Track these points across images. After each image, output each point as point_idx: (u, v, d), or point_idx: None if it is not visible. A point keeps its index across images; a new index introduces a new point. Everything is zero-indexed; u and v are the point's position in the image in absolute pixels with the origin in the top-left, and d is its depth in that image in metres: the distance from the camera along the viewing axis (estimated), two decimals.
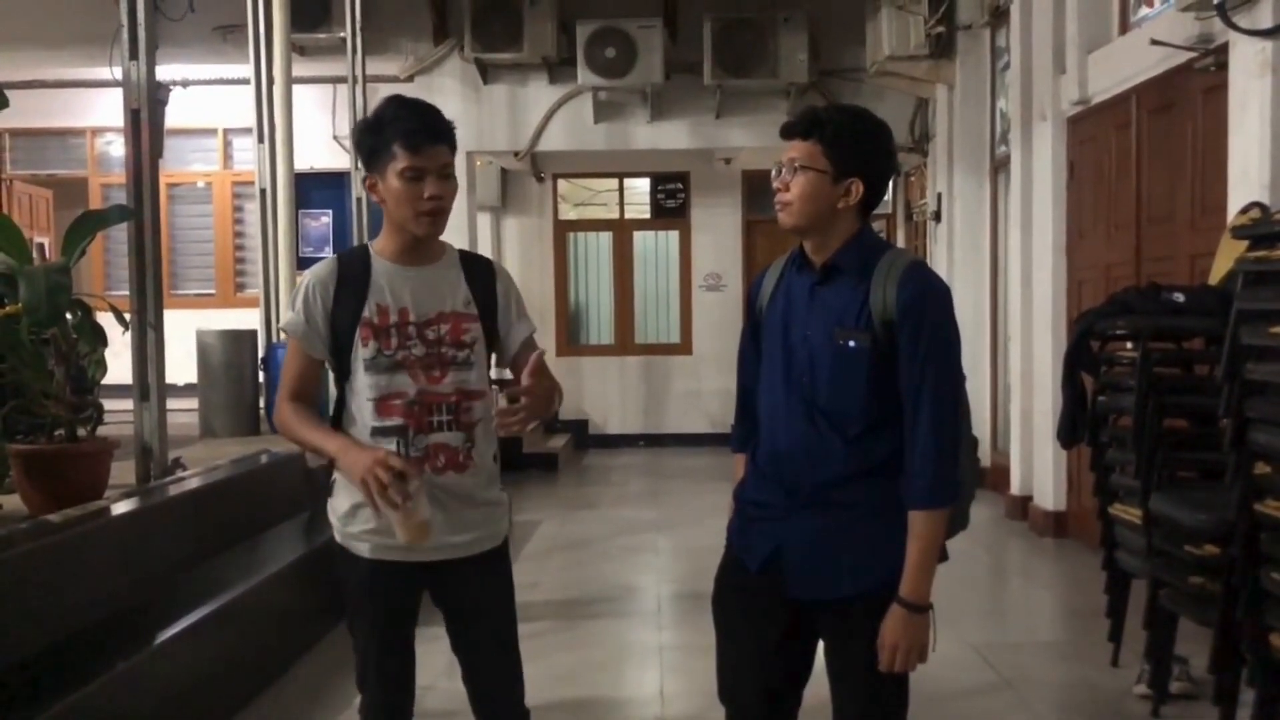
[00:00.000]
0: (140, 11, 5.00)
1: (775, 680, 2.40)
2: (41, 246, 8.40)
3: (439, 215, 2.47)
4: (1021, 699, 4.23)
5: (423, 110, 2.47)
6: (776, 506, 2.34)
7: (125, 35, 4.99)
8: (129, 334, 4.80)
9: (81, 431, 4.37)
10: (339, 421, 2.56)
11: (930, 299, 2.24)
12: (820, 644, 2.40)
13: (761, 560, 2.34)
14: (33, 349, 4.15)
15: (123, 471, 5.02)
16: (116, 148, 12.13)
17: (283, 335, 8.05)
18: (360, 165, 2.56)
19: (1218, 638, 3.53)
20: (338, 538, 2.60)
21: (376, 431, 2.49)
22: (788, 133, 2.32)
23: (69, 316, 4.13)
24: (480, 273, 2.62)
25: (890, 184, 2.38)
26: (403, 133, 2.41)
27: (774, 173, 2.33)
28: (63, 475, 4.24)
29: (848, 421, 2.26)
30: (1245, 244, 3.48)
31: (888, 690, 2.30)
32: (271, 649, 4.63)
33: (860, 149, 2.28)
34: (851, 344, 2.24)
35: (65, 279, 3.88)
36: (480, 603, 2.64)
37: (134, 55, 5.03)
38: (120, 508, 4.41)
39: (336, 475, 2.59)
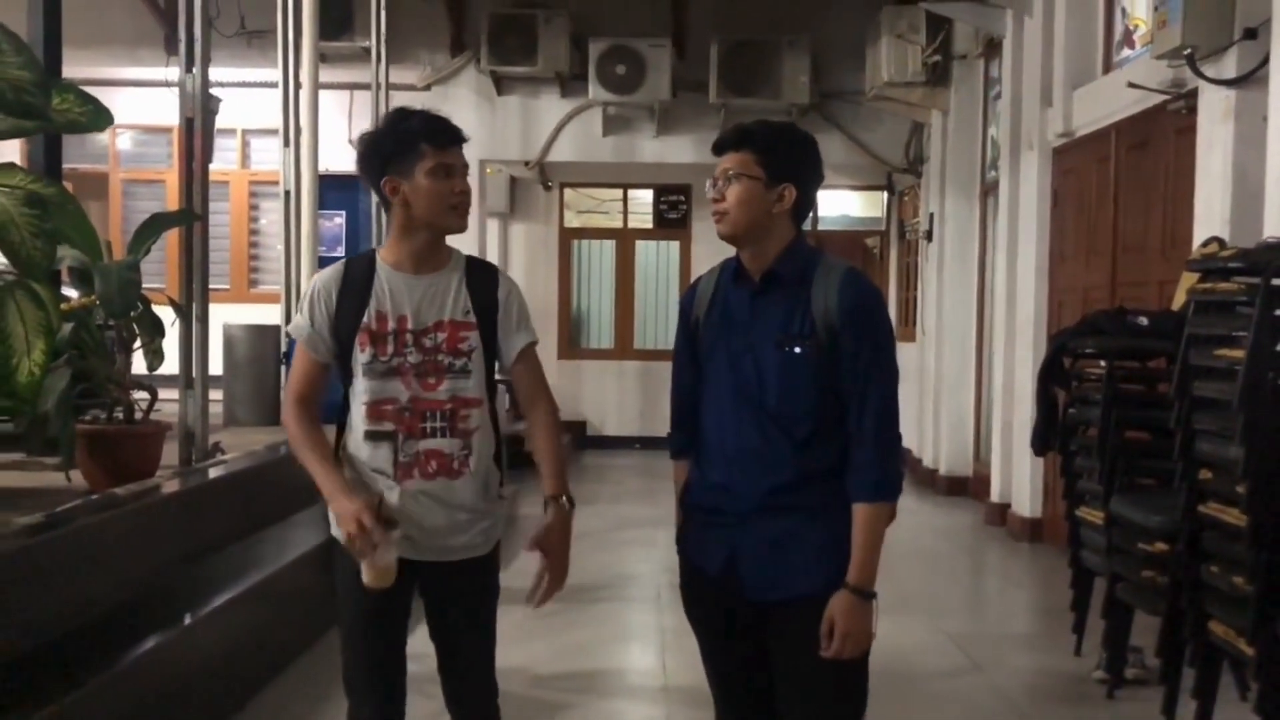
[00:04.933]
0: (197, 26, 5.40)
1: (756, 678, 2.44)
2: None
3: (466, 209, 2.59)
4: (990, 681, 4.65)
5: (438, 115, 2.59)
6: (729, 513, 2.39)
7: (182, 50, 5.38)
8: (174, 327, 5.20)
9: (138, 415, 4.76)
10: (343, 424, 2.63)
11: (869, 304, 2.36)
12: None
13: (719, 565, 2.41)
14: (99, 338, 4.54)
15: (166, 453, 5.41)
16: (129, 143, 12.50)
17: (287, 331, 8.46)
18: (371, 172, 2.58)
19: (1164, 624, 3.96)
20: (333, 533, 2.61)
21: (368, 435, 2.56)
22: (720, 148, 2.41)
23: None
24: (483, 279, 2.65)
25: (817, 193, 2.46)
26: (430, 133, 2.53)
27: (708, 186, 2.41)
28: (122, 454, 4.62)
29: (796, 425, 2.34)
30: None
31: (844, 686, 2.35)
32: (299, 623, 5.02)
33: (790, 156, 2.38)
34: (797, 350, 2.33)
35: (135, 275, 4.28)
36: (460, 611, 2.67)
37: (189, 68, 5.42)
38: (171, 486, 4.81)
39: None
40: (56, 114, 3.34)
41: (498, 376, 2.72)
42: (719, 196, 2.38)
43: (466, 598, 2.66)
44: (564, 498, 2.61)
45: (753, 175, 2.35)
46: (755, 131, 2.39)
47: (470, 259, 2.70)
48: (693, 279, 2.63)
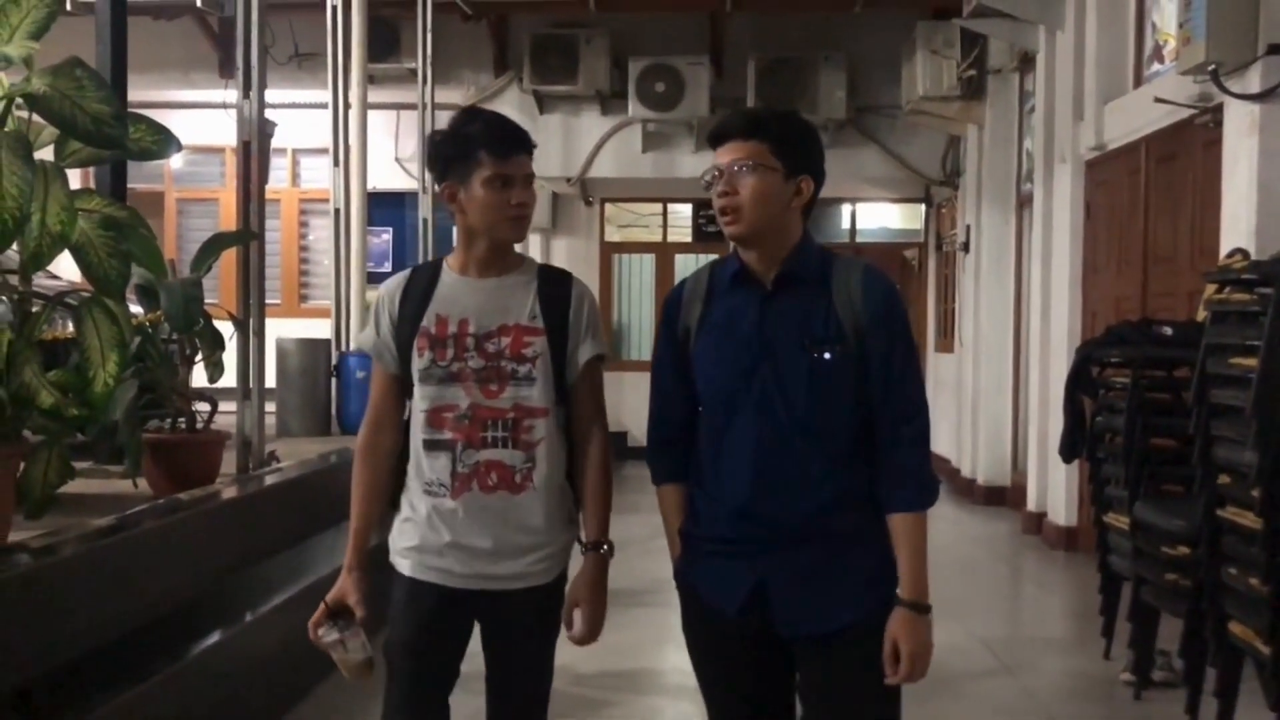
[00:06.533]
0: (254, 55, 5.66)
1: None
2: None
3: (525, 221, 2.46)
4: (1020, 684, 4.77)
5: (505, 120, 2.47)
6: (754, 542, 2.16)
7: (239, 77, 5.65)
8: (232, 340, 5.45)
9: (199, 424, 4.99)
10: (408, 432, 2.52)
11: (896, 303, 2.19)
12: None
13: (741, 601, 2.17)
14: (164, 351, 4.79)
15: (225, 461, 5.65)
16: (183, 163, 12.87)
17: (354, 346, 8.71)
18: (434, 175, 2.50)
19: (1186, 626, 4.07)
20: (389, 554, 2.49)
21: (426, 445, 2.43)
22: (724, 134, 2.16)
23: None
24: (555, 286, 2.51)
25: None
26: (490, 141, 2.39)
27: (710, 179, 2.16)
28: (185, 462, 4.86)
29: (831, 440, 2.14)
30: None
31: (884, 714, 2.20)
32: None
33: (806, 146, 2.19)
34: (827, 355, 2.12)
35: (199, 291, 4.52)
36: (515, 649, 2.50)
37: (246, 94, 5.68)
38: (231, 492, 5.04)
39: (404, 494, 2.52)
40: (131, 143, 3.58)
41: None
42: (730, 190, 2.12)
43: (523, 635, 2.48)
44: (605, 545, 2.49)
45: (771, 166, 2.12)
46: (767, 118, 2.17)
47: (543, 266, 2.57)
48: None
